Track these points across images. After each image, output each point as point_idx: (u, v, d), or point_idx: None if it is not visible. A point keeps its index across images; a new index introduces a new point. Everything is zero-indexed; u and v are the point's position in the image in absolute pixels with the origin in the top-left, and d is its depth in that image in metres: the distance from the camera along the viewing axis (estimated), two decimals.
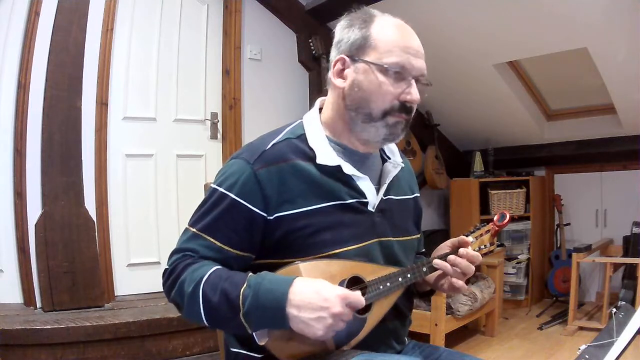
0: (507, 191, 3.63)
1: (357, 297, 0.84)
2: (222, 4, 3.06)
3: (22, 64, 2.41)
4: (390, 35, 0.97)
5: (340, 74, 1.01)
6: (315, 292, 0.83)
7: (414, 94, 0.96)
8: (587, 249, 2.99)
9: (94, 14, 2.56)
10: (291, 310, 0.82)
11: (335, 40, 1.04)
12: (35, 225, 2.35)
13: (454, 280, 1.02)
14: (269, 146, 0.97)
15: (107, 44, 2.63)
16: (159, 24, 2.84)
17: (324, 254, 0.93)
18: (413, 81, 0.97)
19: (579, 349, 0.80)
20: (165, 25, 2.86)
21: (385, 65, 0.95)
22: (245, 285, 0.85)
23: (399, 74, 0.96)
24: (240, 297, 0.84)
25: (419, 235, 1.15)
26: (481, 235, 1.09)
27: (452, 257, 1.01)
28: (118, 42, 2.69)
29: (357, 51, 0.98)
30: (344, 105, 1.00)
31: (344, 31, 1.02)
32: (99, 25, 2.60)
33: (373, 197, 1.01)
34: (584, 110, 3.42)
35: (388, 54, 0.95)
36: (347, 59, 0.99)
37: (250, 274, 0.88)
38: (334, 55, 1.03)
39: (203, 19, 3.00)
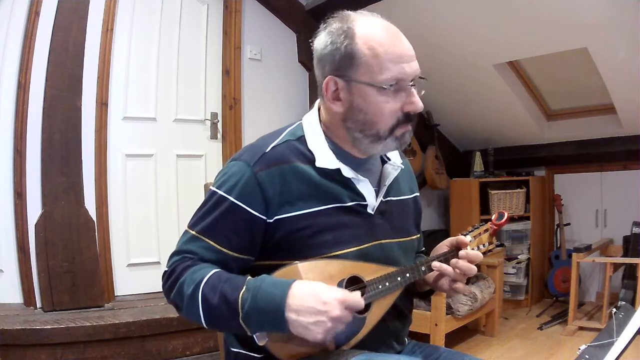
0: (507, 191, 3.62)
1: (355, 299, 0.84)
2: (222, 4, 3.06)
3: (22, 64, 2.40)
4: (378, 47, 0.91)
5: (335, 96, 0.96)
6: (314, 296, 0.82)
7: (415, 103, 0.94)
8: (587, 249, 2.99)
9: (94, 14, 2.56)
10: (290, 315, 0.82)
11: (316, 57, 0.97)
12: (35, 225, 2.35)
13: (455, 282, 1.02)
14: (269, 148, 0.97)
15: (107, 44, 2.62)
16: (159, 23, 2.84)
17: (324, 256, 0.93)
18: (412, 89, 0.94)
19: (579, 349, 0.80)
20: (165, 25, 2.86)
21: (383, 86, 0.91)
22: (244, 288, 0.85)
23: (397, 85, 0.92)
24: (239, 300, 0.84)
25: (418, 236, 1.15)
26: (479, 234, 1.10)
27: (453, 260, 1.01)
28: (118, 42, 2.69)
29: (346, 70, 0.93)
30: (345, 126, 0.97)
31: (325, 49, 0.95)
32: (99, 25, 2.60)
33: (373, 200, 1.01)
34: (584, 110, 3.41)
35: (382, 70, 0.90)
36: (337, 80, 0.94)
37: (249, 277, 0.88)
38: (319, 74, 0.98)
39: (203, 19, 3.00)
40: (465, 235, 1.07)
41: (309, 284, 0.85)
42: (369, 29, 0.93)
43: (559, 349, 2.68)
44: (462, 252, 1.01)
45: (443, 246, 1.08)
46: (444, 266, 1.01)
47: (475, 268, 1.01)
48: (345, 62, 0.93)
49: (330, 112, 0.99)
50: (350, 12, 0.97)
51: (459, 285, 1.02)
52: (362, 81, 0.92)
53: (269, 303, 0.83)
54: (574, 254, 2.96)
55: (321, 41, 0.96)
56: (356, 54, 0.92)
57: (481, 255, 1.03)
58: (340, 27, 0.94)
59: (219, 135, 3.03)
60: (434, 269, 1.01)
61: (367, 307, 0.93)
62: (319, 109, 1.05)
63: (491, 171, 3.77)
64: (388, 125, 0.94)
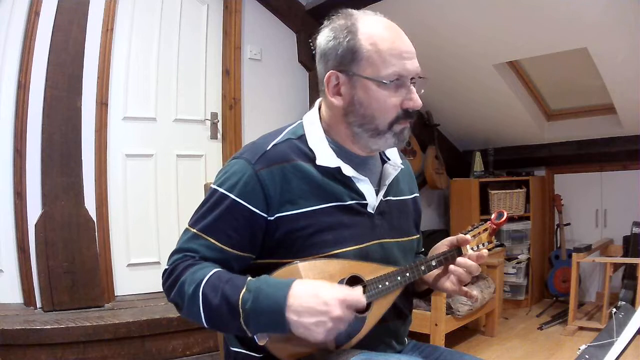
0: (507, 191, 3.62)
1: (356, 298, 0.84)
2: (222, 4, 3.06)
3: (22, 64, 2.40)
4: (380, 43, 0.93)
5: (336, 90, 0.97)
6: (314, 296, 0.82)
7: (415, 99, 0.95)
8: (587, 249, 2.99)
9: (94, 14, 2.56)
10: (291, 316, 0.82)
11: (319, 52, 0.99)
12: (35, 225, 2.35)
13: (463, 284, 1.03)
14: (270, 146, 0.97)
15: (107, 44, 2.62)
16: (159, 23, 2.84)
17: (324, 255, 0.93)
18: (412, 86, 0.95)
19: (579, 349, 0.80)
20: (165, 25, 2.86)
21: (384, 80, 0.93)
22: (244, 289, 0.85)
23: (398, 81, 0.94)
24: (240, 301, 0.84)
25: (418, 236, 1.15)
26: (479, 233, 1.10)
27: (461, 260, 1.02)
28: (118, 42, 2.69)
29: (348, 65, 0.94)
30: (346, 121, 0.98)
31: (328, 44, 0.96)
32: (99, 25, 2.60)
33: (373, 199, 1.01)
34: (584, 110, 3.41)
35: (384, 65, 0.92)
36: (339, 74, 0.95)
37: (250, 277, 0.88)
38: (321, 69, 0.99)
39: (203, 19, 3.00)
40: (465, 234, 1.07)
41: (310, 284, 0.85)
42: (371, 26, 0.95)
43: (559, 349, 2.68)
44: (471, 254, 1.03)
45: (442, 246, 1.08)
46: (467, 274, 1.02)
47: (477, 266, 1.02)
48: (348, 56, 0.94)
49: (331, 108, 1.00)
50: (353, 10, 0.99)
51: (475, 293, 1.04)
52: (365, 75, 0.93)
53: (269, 304, 0.83)
54: (574, 254, 2.96)
55: (324, 37, 0.98)
56: (359, 49, 0.93)
57: (486, 252, 1.04)
58: (343, 24, 0.96)
59: (219, 135, 3.03)
60: (460, 277, 1.02)
61: (367, 306, 0.93)
62: (319, 108, 1.05)
63: (491, 171, 3.77)
64: (387, 120, 0.96)
